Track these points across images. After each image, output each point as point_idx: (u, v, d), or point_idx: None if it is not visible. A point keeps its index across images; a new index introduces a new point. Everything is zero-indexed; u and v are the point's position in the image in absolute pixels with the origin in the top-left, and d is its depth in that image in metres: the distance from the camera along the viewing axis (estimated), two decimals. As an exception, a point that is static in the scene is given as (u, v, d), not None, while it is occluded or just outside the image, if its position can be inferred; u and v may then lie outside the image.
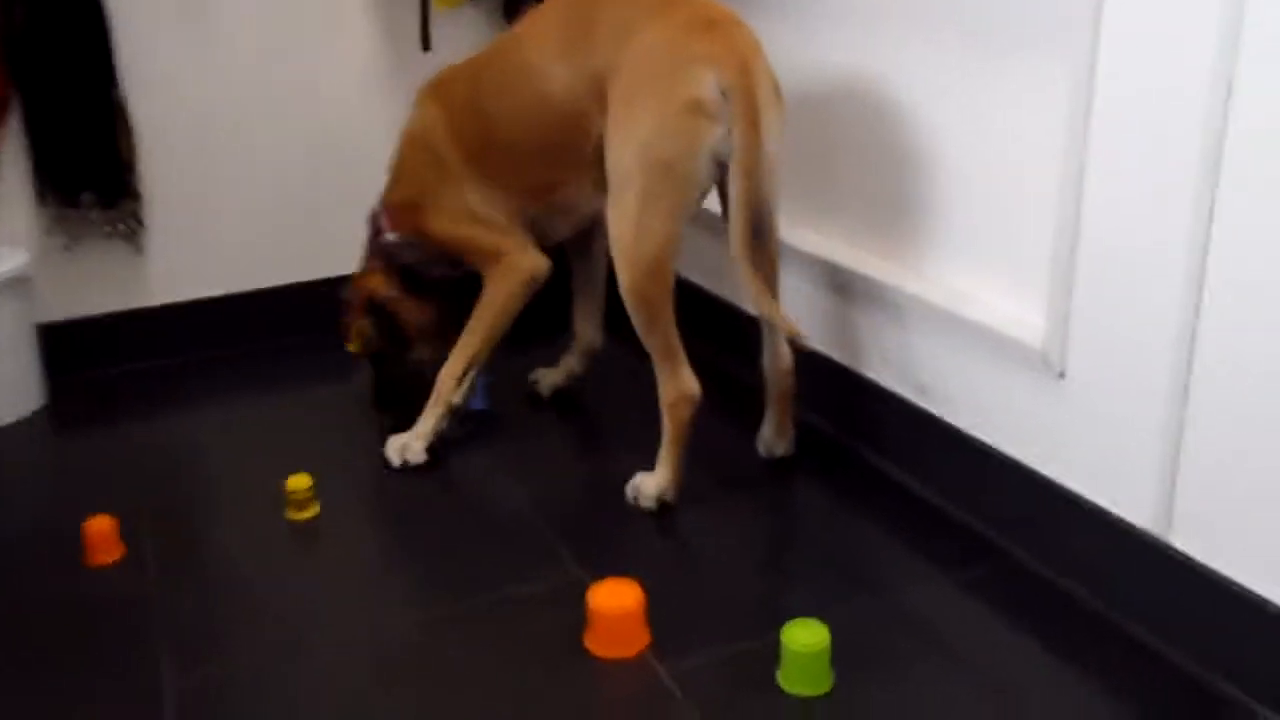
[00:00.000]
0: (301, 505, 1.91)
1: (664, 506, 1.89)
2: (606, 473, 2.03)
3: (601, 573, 1.70)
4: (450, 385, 2.08)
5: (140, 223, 2.46)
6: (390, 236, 2.16)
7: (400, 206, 2.15)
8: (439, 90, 2.12)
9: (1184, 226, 1.40)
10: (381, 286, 2.18)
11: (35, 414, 2.37)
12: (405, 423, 2.11)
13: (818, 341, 2.12)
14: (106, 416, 2.35)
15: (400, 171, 2.16)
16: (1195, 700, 1.43)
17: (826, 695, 1.44)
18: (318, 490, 1.93)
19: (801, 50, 2.08)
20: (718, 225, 1.90)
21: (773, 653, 1.49)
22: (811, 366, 2.05)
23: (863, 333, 2.03)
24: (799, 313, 2.15)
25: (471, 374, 2.09)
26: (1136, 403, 1.52)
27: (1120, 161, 1.48)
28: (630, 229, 1.78)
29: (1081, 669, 1.49)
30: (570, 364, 2.36)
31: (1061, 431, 1.65)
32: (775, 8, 2.13)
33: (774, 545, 1.82)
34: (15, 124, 2.34)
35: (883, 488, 1.94)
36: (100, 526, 1.80)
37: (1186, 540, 1.49)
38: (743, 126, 1.71)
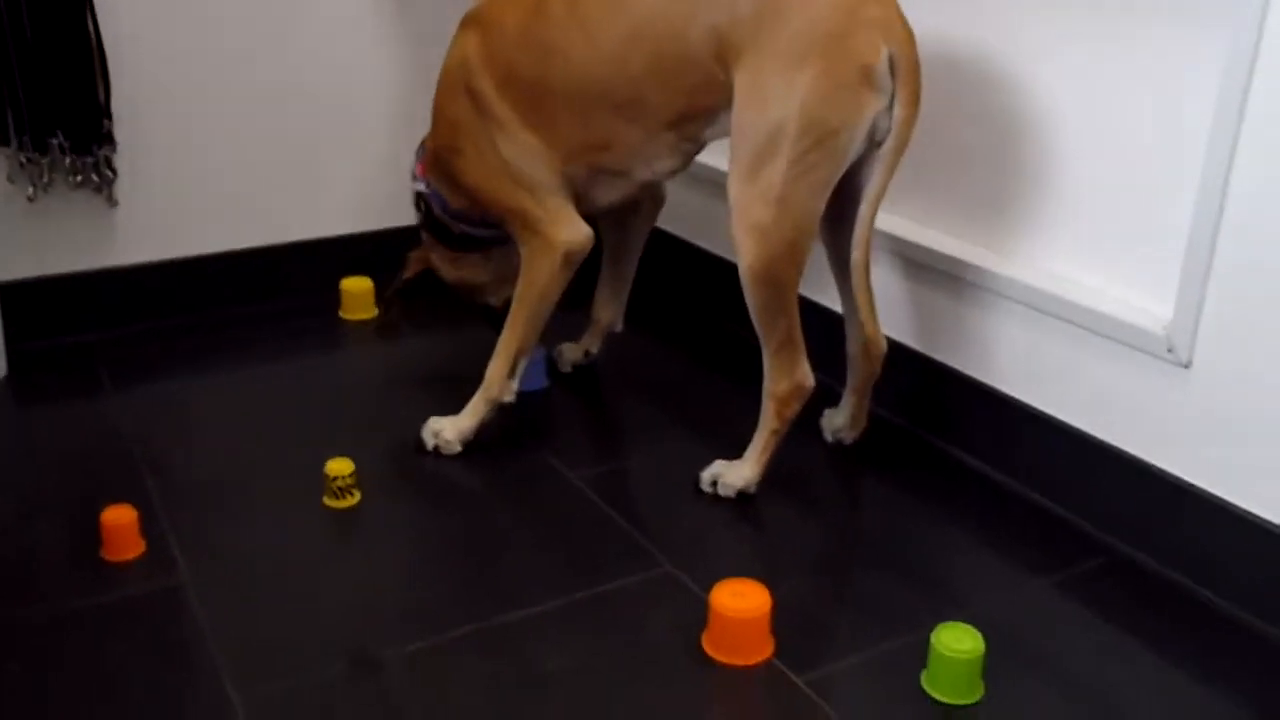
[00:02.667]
0: (342, 493, 1.71)
1: (742, 496, 1.77)
2: (662, 455, 1.89)
3: (692, 566, 1.58)
4: (498, 381, 1.88)
5: (114, 172, 2.19)
6: (419, 186, 1.96)
7: (432, 152, 1.93)
8: (483, 17, 1.85)
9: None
10: (424, 249, 2.05)
11: (-2, 385, 2.10)
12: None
13: (901, 331, 2.01)
14: (81, 389, 2.08)
15: (435, 112, 1.92)
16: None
17: (977, 704, 1.35)
18: (358, 473, 1.73)
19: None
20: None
21: (910, 656, 1.39)
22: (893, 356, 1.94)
23: (953, 321, 1.93)
24: (887, 302, 2.03)
25: (521, 365, 1.89)
26: (1273, 394, 1.46)
27: (1275, 135, 1.40)
28: (771, 203, 1.60)
29: (1206, 670, 1.42)
30: (587, 343, 2.21)
31: (1184, 424, 1.59)
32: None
33: (873, 544, 1.70)
34: (-25, 52, 2.05)
35: (975, 483, 1.84)
36: (121, 518, 1.57)
37: (1330, 538, 1.44)
38: (907, 102, 1.60)
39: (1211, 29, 1.48)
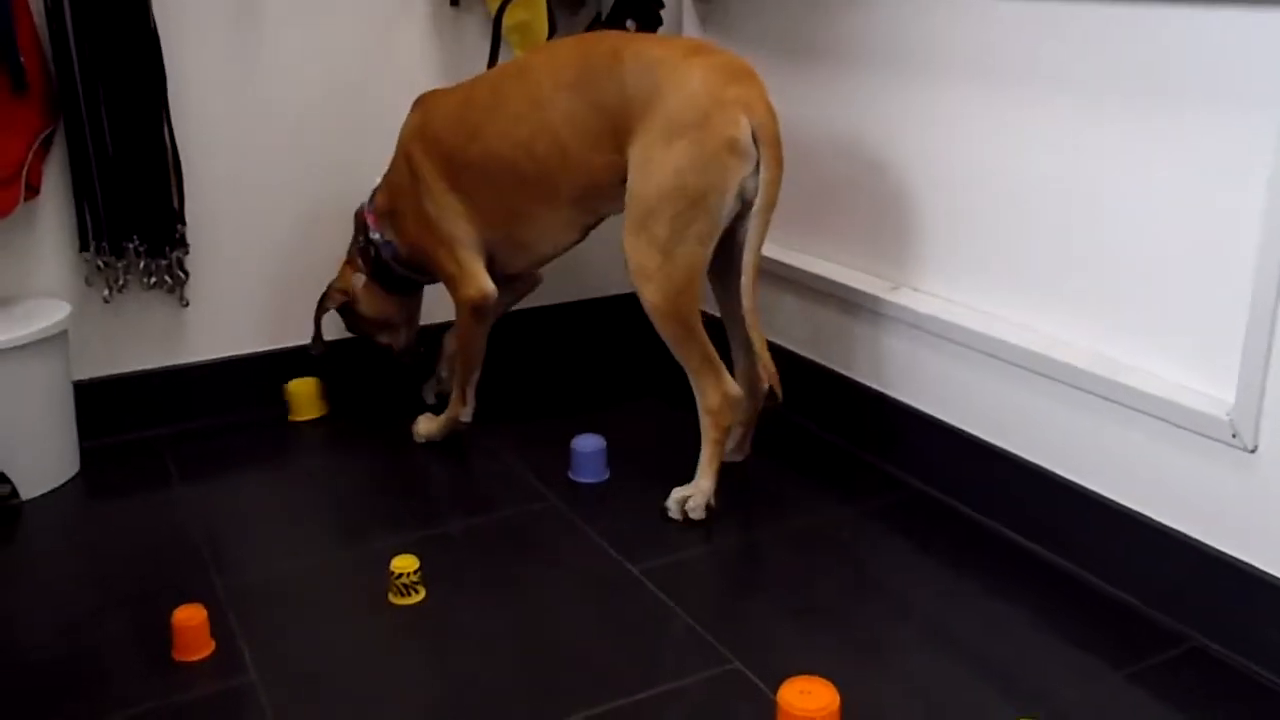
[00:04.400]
0: (407, 589, 1.73)
1: (711, 514, 1.95)
2: (723, 546, 1.89)
3: (758, 662, 1.57)
4: (456, 404, 2.27)
5: (186, 274, 2.26)
6: (375, 236, 2.26)
7: (380, 210, 2.25)
8: (428, 101, 2.19)
9: None
10: (347, 281, 2.32)
11: (70, 482, 2.14)
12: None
13: (952, 414, 2.03)
14: (152, 485, 2.13)
15: (387, 176, 2.25)
16: None
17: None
18: (423, 570, 1.74)
19: (941, 109, 1.97)
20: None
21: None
22: (951, 445, 1.98)
23: (1009, 406, 1.92)
24: (956, 387, 2.07)
25: (469, 391, 2.25)
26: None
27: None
28: (658, 253, 1.85)
29: None
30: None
31: (1252, 509, 1.56)
32: (896, 64, 2.04)
33: (939, 635, 1.68)
34: (58, 159, 2.14)
35: (1039, 571, 1.82)
36: (192, 618, 1.60)
37: None
38: (771, 167, 1.84)
39: (1265, 106, 1.49)
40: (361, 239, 2.28)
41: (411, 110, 2.20)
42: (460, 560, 1.86)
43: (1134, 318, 1.72)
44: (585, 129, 1.94)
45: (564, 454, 2.14)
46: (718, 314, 2.10)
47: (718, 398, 1.94)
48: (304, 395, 2.42)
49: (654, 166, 1.84)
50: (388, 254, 2.25)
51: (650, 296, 1.89)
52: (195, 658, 1.60)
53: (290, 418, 2.41)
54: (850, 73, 2.16)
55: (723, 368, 1.94)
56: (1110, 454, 1.75)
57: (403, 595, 1.73)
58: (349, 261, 2.33)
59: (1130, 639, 1.64)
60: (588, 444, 2.12)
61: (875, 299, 2.13)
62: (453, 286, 2.17)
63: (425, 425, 2.30)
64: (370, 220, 2.26)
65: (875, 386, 2.17)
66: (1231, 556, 1.59)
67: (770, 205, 1.86)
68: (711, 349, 1.93)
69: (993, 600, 1.74)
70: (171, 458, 2.24)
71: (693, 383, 1.95)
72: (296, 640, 1.65)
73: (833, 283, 2.22)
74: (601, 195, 2.00)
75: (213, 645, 1.62)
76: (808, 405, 2.33)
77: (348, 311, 2.36)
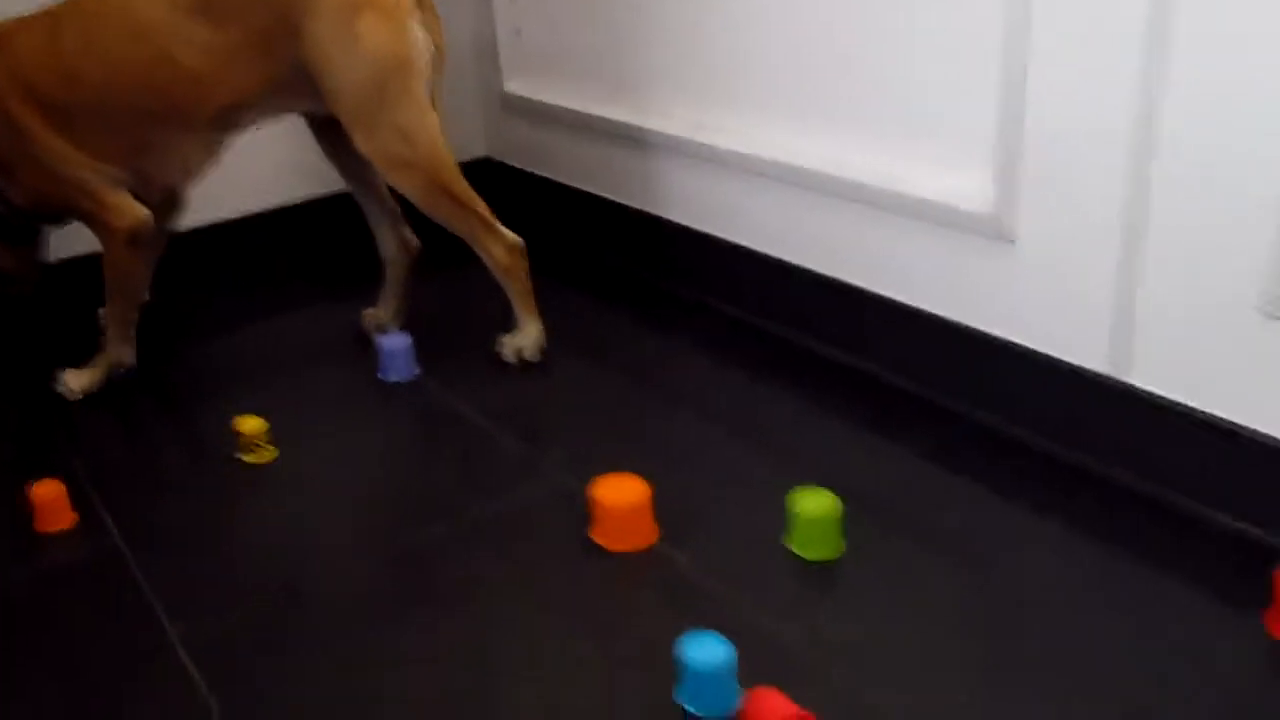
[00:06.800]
0: (257, 449, 1.83)
1: (544, 355, 2.07)
2: (551, 378, 2.05)
3: (580, 472, 1.69)
4: (116, 344, 2.09)
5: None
6: None
7: None
8: (3, 40, 1.94)
9: (1133, 80, 1.47)
10: None
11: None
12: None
13: (739, 233, 2.17)
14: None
15: None
16: (1178, 529, 1.52)
17: (842, 558, 1.50)
18: (272, 432, 1.85)
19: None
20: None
21: (777, 522, 1.54)
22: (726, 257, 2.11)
23: (793, 220, 2.06)
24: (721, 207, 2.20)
25: (130, 332, 2.10)
26: (1089, 257, 1.60)
27: (1069, 17, 1.53)
28: (403, 143, 1.87)
29: (1051, 515, 1.57)
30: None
31: (1012, 294, 1.74)
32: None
33: (740, 431, 1.84)
34: None
35: (825, 368, 2.00)
36: (50, 491, 1.68)
37: (1145, 378, 1.60)
38: (435, 23, 1.91)
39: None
40: None
41: None
42: (304, 422, 1.96)
43: (899, 126, 1.85)
44: (225, 52, 1.85)
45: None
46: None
47: (504, 251, 1.99)
48: None
49: (350, 57, 1.82)
50: (1, 208, 2.03)
51: (417, 188, 1.91)
52: (59, 528, 1.68)
53: None
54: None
55: (497, 220, 1.99)
56: (890, 258, 1.92)
57: (253, 453, 1.83)
58: None
59: (916, 421, 1.82)
60: (394, 342, 2.09)
61: (668, 137, 2.25)
62: (99, 225, 2.00)
63: (77, 380, 2.08)
64: None
65: (654, 212, 2.30)
66: (997, 336, 1.77)
67: (441, 66, 1.92)
68: (483, 205, 1.97)
69: (794, 400, 1.92)
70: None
71: (478, 248, 1.99)
72: (158, 504, 1.74)
73: (628, 125, 2.34)
74: (251, 108, 1.95)
75: (75, 516, 1.70)
76: (612, 243, 2.46)
77: None
